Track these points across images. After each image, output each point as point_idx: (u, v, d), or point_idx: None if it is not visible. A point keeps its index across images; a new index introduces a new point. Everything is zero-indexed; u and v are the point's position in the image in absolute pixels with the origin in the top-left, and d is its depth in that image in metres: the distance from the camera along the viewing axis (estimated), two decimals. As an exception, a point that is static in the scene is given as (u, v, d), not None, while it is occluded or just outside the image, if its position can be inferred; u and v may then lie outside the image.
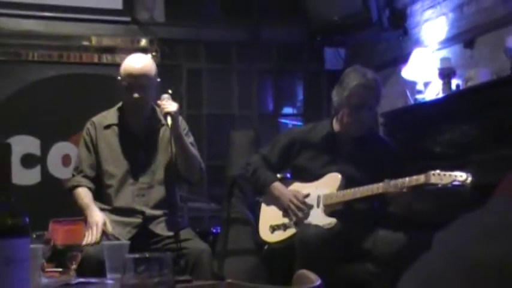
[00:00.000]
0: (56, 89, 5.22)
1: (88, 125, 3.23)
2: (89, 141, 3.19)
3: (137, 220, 3.08)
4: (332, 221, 3.12)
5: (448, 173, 2.82)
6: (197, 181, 3.39)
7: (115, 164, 3.15)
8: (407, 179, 2.95)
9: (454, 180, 2.79)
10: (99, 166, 3.16)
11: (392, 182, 2.96)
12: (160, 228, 3.09)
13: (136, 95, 3.05)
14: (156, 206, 3.13)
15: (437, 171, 2.85)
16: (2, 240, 0.97)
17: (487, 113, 3.61)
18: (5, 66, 5.20)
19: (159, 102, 3.05)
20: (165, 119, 3.01)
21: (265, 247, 3.34)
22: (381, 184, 3.00)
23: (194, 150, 3.18)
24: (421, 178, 2.91)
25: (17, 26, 5.27)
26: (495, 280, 0.46)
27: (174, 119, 3.00)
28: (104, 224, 2.94)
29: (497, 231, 0.49)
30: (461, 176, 2.79)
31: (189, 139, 3.21)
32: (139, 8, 5.57)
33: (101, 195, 3.15)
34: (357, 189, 3.10)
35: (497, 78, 3.82)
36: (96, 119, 3.24)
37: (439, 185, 2.84)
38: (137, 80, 3.06)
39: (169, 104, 3.02)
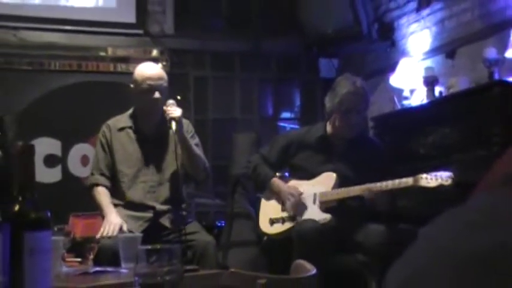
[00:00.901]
0: (75, 95, 5.22)
1: (103, 127, 3.22)
2: (105, 143, 3.18)
3: (148, 215, 3.07)
4: (327, 216, 3.11)
5: (434, 178, 2.82)
6: (203, 179, 3.38)
7: (128, 163, 3.14)
8: (397, 181, 2.95)
9: (441, 185, 2.80)
10: (113, 165, 3.15)
11: (384, 183, 2.97)
12: (169, 222, 3.08)
13: (157, 95, 3.04)
14: (165, 202, 3.12)
15: (425, 175, 2.85)
16: (26, 232, 0.97)
17: (466, 118, 3.61)
18: (30, 75, 5.20)
19: (164, 108, 3.04)
20: (170, 123, 3.00)
21: (265, 238, 3.34)
22: (372, 185, 2.99)
23: (198, 151, 3.17)
24: (409, 181, 2.91)
25: (41, 39, 5.28)
26: (477, 271, 0.46)
27: (178, 124, 2.99)
28: (120, 228, 2.92)
29: (479, 225, 0.48)
30: (446, 180, 2.80)
31: (194, 140, 3.20)
32: (151, 22, 5.57)
33: (115, 191, 3.13)
34: (350, 188, 3.10)
35: (476, 86, 3.81)
36: (110, 122, 3.23)
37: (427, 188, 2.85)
38: (156, 82, 3.07)
39: (173, 110, 3.01)
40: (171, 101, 3.05)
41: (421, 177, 2.85)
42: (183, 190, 3.25)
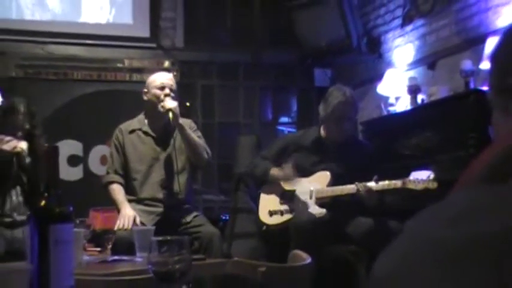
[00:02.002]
0: (95, 102, 5.23)
1: (116, 131, 3.21)
2: (118, 145, 3.17)
3: (159, 209, 3.06)
4: (322, 211, 3.11)
5: (421, 181, 2.84)
6: (205, 165, 3.32)
7: (139, 161, 3.12)
8: (386, 182, 2.95)
9: (427, 188, 2.81)
10: (126, 164, 3.13)
11: (374, 184, 2.98)
12: (178, 216, 3.07)
13: (167, 91, 3.04)
14: (174, 197, 3.09)
15: (412, 177, 2.86)
16: (51, 225, 0.97)
17: (446, 122, 3.60)
18: (55, 84, 5.22)
19: (160, 103, 3.02)
20: (167, 114, 2.98)
21: (264, 227, 3.33)
22: (363, 184, 3.00)
23: (198, 139, 3.12)
24: (398, 183, 2.91)
25: (65, 52, 5.29)
26: (457, 260, 0.46)
27: (174, 114, 2.97)
28: (134, 219, 2.91)
29: (458, 219, 0.48)
30: (432, 184, 2.81)
31: (197, 133, 3.19)
32: (163, 36, 5.57)
33: (128, 188, 3.11)
34: (344, 186, 3.10)
35: (454, 94, 3.81)
36: (122, 126, 3.22)
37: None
38: (167, 81, 3.09)
39: (169, 102, 3.00)
40: (167, 97, 3.04)
41: (409, 181, 2.86)
42: (191, 186, 3.24)
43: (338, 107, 3.16)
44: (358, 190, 2.98)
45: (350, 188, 3.05)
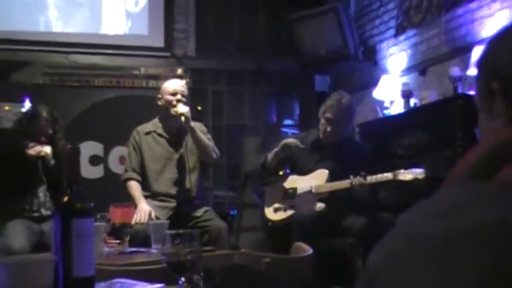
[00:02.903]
0: (114, 106, 5.24)
1: (134, 133, 3.21)
2: (135, 145, 3.17)
3: (172, 204, 3.05)
4: (322, 205, 3.11)
5: (410, 173, 2.83)
6: (214, 163, 3.32)
7: (154, 160, 3.12)
8: (379, 175, 2.95)
9: (415, 178, 2.80)
10: (142, 162, 3.13)
11: (368, 177, 2.97)
12: (189, 211, 3.06)
13: (179, 96, 3.04)
14: (186, 194, 3.09)
15: (402, 170, 2.85)
16: (73, 219, 0.97)
17: (436, 124, 3.59)
18: (78, 90, 5.23)
19: (173, 108, 3.02)
20: (179, 118, 2.98)
21: (269, 223, 3.33)
22: (357, 178, 2.99)
23: (207, 140, 3.12)
24: (389, 175, 2.91)
25: (86, 60, 5.30)
26: (444, 251, 0.45)
27: (186, 118, 2.97)
28: (150, 214, 2.91)
29: (446, 212, 0.48)
30: (420, 174, 2.80)
31: (207, 136, 3.19)
32: (176, 46, 5.58)
33: (144, 185, 3.11)
34: (340, 182, 3.09)
35: (443, 98, 3.80)
36: (139, 127, 3.22)
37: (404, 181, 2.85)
38: (179, 88, 3.09)
39: (181, 107, 3.01)
40: (180, 103, 3.03)
41: (399, 172, 2.86)
42: (201, 184, 3.24)
43: (329, 109, 3.19)
44: (351, 184, 2.97)
45: (346, 182, 3.05)
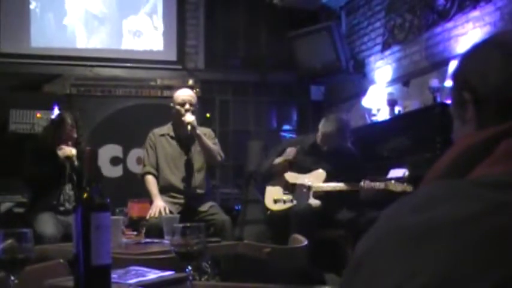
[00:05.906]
0: (133, 113, 5.24)
1: (150, 134, 3.20)
2: (151, 144, 3.15)
3: (181, 200, 3.04)
4: (317, 202, 3.10)
5: (400, 185, 2.84)
6: (218, 164, 3.34)
7: (167, 160, 3.10)
8: (372, 183, 2.96)
9: (405, 191, 2.80)
10: (157, 161, 3.12)
11: (361, 184, 2.98)
12: (197, 206, 3.04)
13: (187, 106, 3.01)
14: (195, 190, 3.07)
15: (393, 182, 2.87)
16: (92, 213, 0.97)
17: (417, 129, 3.58)
18: (101, 99, 5.25)
19: (182, 118, 3.01)
20: (187, 126, 2.97)
21: (268, 212, 3.31)
22: (367, 182, 3.00)
23: (212, 145, 3.10)
24: (382, 185, 2.93)
25: (109, 73, 5.32)
26: (417, 240, 0.45)
27: (192, 126, 2.97)
28: (164, 209, 2.90)
29: (421, 206, 0.48)
30: (409, 188, 2.81)
31: (214, 140, 3.17)
32: (188, 60, 5.60)
33: (157, 180, 3.09)
34: (338, 184, 3.09)
35: (424, 107, 3.79)
36: (155, 130, 3.21)
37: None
38: (188, 98, 3.06)
39: (188, 116, 2.99)
40: (188, 112, 3.02)
41: (390, 183, 2.87)
42: (208, 182, 3.23)
43: (324, 137, 3.19)
44: (362, 186, 2.97)
45: (342, 185, 3.06)
